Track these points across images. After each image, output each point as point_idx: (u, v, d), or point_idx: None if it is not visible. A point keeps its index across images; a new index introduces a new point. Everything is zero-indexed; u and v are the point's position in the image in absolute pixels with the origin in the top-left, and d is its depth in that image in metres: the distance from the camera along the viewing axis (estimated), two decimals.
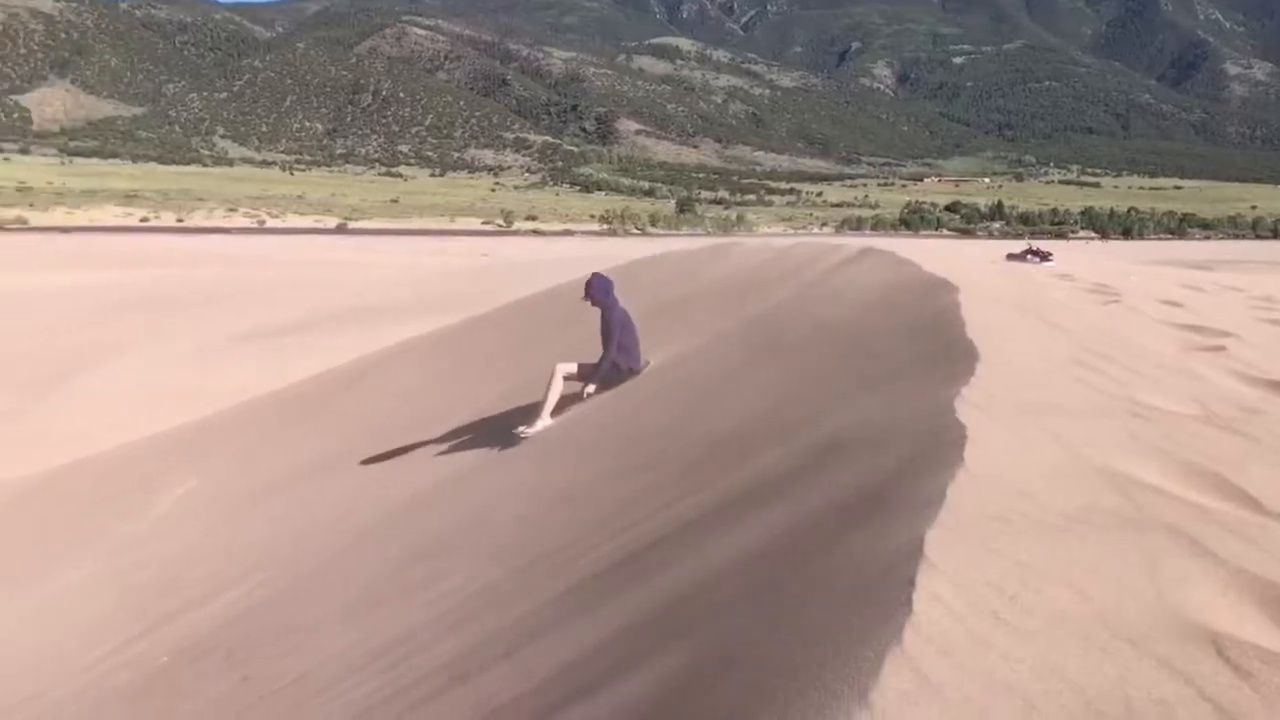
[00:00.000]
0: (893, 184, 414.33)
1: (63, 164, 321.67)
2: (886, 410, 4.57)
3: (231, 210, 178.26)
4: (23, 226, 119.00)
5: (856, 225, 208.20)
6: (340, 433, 12.36)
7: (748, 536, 3.54)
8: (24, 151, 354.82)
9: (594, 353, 8.14)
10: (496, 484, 7.57)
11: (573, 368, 8.07)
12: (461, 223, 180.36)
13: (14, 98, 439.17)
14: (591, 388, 8.10)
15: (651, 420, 7.14)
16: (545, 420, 7.87)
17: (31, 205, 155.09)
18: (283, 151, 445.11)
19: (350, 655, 4.75)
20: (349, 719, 3.79)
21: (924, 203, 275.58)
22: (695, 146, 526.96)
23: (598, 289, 8.16)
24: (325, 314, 31.80)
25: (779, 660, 2.37)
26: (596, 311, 8.28)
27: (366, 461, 10.10)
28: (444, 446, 9.55)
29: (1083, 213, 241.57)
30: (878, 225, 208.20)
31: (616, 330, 7.92)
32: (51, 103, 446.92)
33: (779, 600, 2.79)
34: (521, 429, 7.96)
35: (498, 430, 8.85)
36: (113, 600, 8.87)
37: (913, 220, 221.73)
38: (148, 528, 10.99)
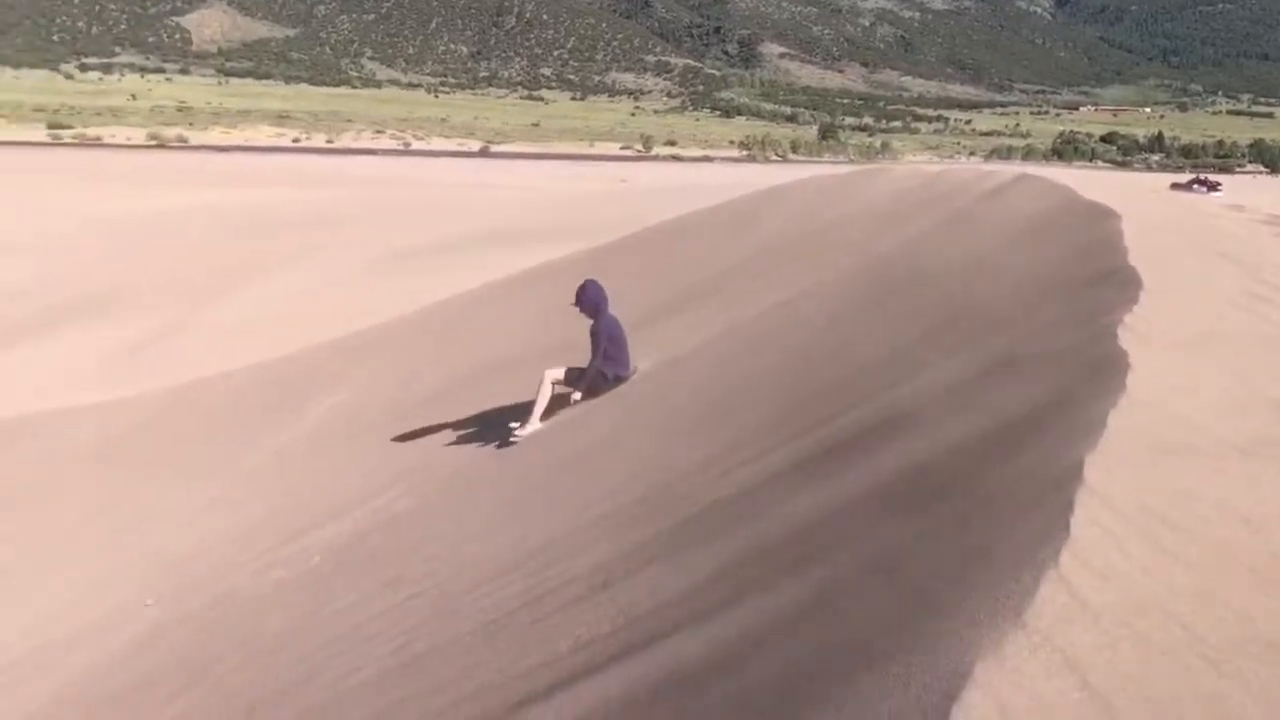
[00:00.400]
0: (1046, 113, 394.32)
1: (219, 84, 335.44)
2: (1044, 337, 4.43)
3: (379, 132, 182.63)
4: (183, 145, 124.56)
5: (1006, 155, 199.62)
6: (483, 350, 12.69)
7: (901, 457, 3.51)
8: (184, 72, 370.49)
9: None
10: (637, 402, 7.67)
11: (560, 373, 8.12)
12: (600, 147, 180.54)
13: (175, 19, 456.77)
14: (578, 395, 8.16)
15: (800, 343, 7.11)
16: (535, 424, 7.94)
17: (191, 125, 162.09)
18: (428, 74, 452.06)
19: (497, 560, 4.93)
20: (496, 617, 3.95)
21: (1078, 133, 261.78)
22: (840, 71, 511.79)
23: (589, 298, 8.17)
24: (467, 236, 32.50)
25: (933, 574, 2.36)
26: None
27: (508, 380, 10.36)
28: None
29: (1251, 145, 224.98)
30: (1028, 155, 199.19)
31: (603, 340, 7.96)
32: (210, 24, 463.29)
33: (934, 517, 2.77)
34: (514, 425, 8.08)
35: (637, 352, 8.95)
36: (267, 503, 9.41)
37: (1066, 151, 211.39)
38: (299, 436, 11.55)
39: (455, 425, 9.47)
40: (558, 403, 8.21)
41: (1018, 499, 2.58)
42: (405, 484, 8.26)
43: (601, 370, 7.97)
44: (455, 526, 6.30)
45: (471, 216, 38.23)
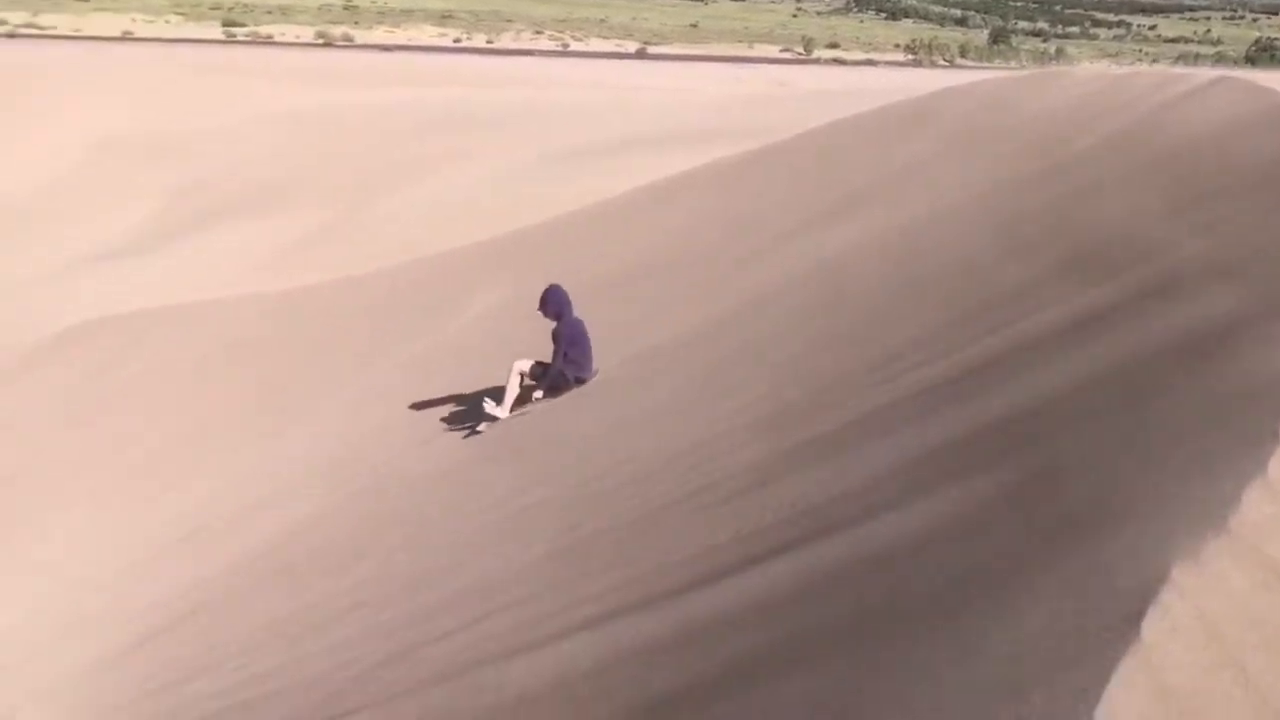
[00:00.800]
0: (1241, 18, 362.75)
1: None
2: (1237, 245, 4.13)
3: (538, 33, 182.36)
4: (349, 44, 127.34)
5: (1193, 62, 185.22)
6: (643, 249, 12.71)
7: (1092, 362, 3.36)
8: None
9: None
10: (799, 305, 7.57)
11: (527, 366, 8.31)
12: (759, 49, 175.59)
13: None
14: (540, 393, 8.35)
15: (971, 250, 6.86)
16: (504, 412, 8.10)
17: (356, 24, 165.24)
18: None
19: (650, 457, 4.98)
20: (652, 510, 4.00)
21: (1276, 39, 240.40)
22: None
23: (553, 303, 8.36)
24: (625, 139, 32.38)
25: (1124, 479, 2.26)
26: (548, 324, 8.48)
27: (671, 276, 10.37)
28: (749, 265, 9.62)
29: None
30: (1219, 62, 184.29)
31: (564, 344, 8.15)
32: None
33: (1125, 424, 2.64)
34: (488, 403, 8.25)
35: (801, 252, 8.82)
36: (425, 395, 9.76)
37: (1260, 59, 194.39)
38: (459, 331, 11.89)
39: (608, 326, 9.56)
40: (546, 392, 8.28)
41: (1214, 408, 2.44)
42: None
43: (563, 371, 8.15)
44: (605, 422, 6.40)
45: (629, 119, 38.03)
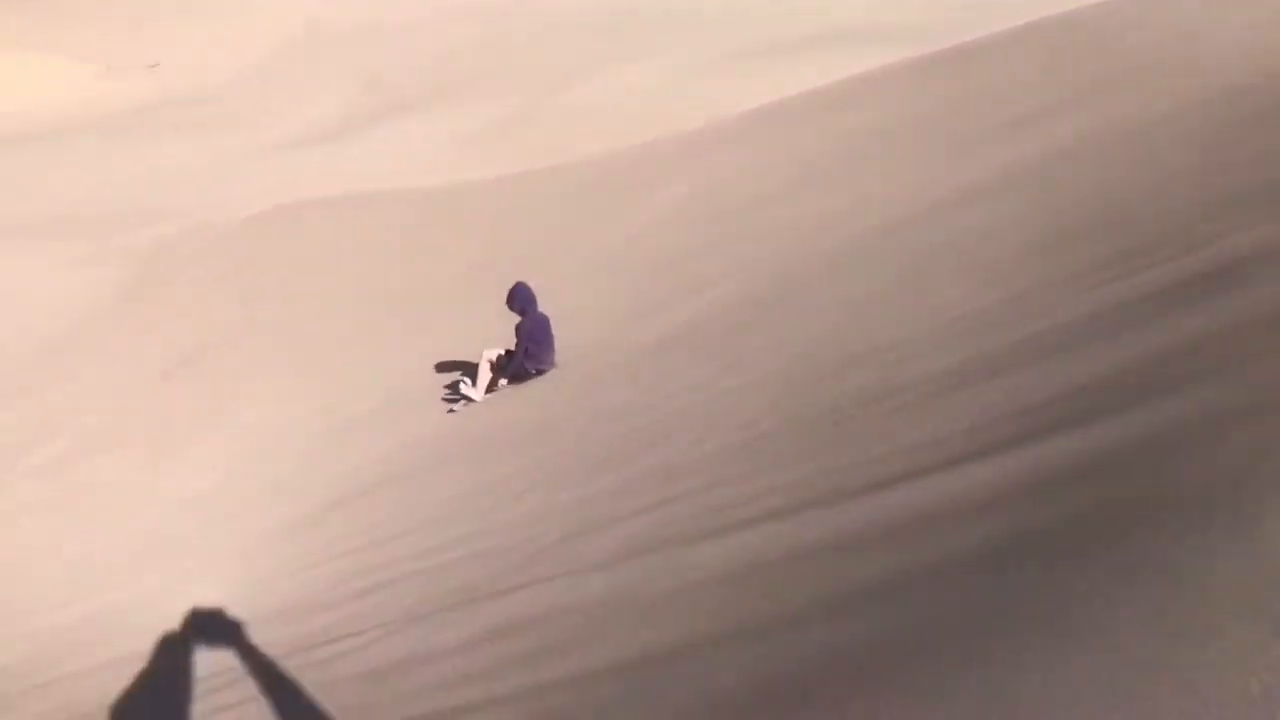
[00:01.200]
0: None
1: None
2: None
3: None
4: None
5: None
6: (826, 151, 12.37)
7: None
8: None
9: None
10: (1016, 200, 7.22)
11: (495, 355, 8.96)
12: None
13: None
14: (504, 381, 8.93)
15: (1192, 159, 6.36)
16: (479, 394, 8.79)
17: None
18: None
19: (842, 354, 4.88)
20: (844, 406, 3.92)
21: None
22: None
23: (519, 300, 8.87)
24: (808, 35, 31.37)
25: None
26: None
27: (852, 178, 10.07)
28: (938, 166, 9.23)
29: None
30: None
31: (525, 339, 8.71)
32: None
33: None
34: (464, 384, 9.00)
35: (997, 157, 8.38)
36: (606, 283, 9.88)
37: None
38: (643, 225, 11.90)
39: (794, 221, 9.38)
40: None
41: None
42: (742, 275, 8.34)
43: (524, 363, 8.76)
44: (795, 320, 6.29)
45: (813, 14, 36.72)
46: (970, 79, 13.66)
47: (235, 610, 4.68)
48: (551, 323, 8.76)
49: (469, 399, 8.76)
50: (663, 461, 4.28)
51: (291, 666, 3.56)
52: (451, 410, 8.81)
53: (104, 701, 3.90)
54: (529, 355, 8.65)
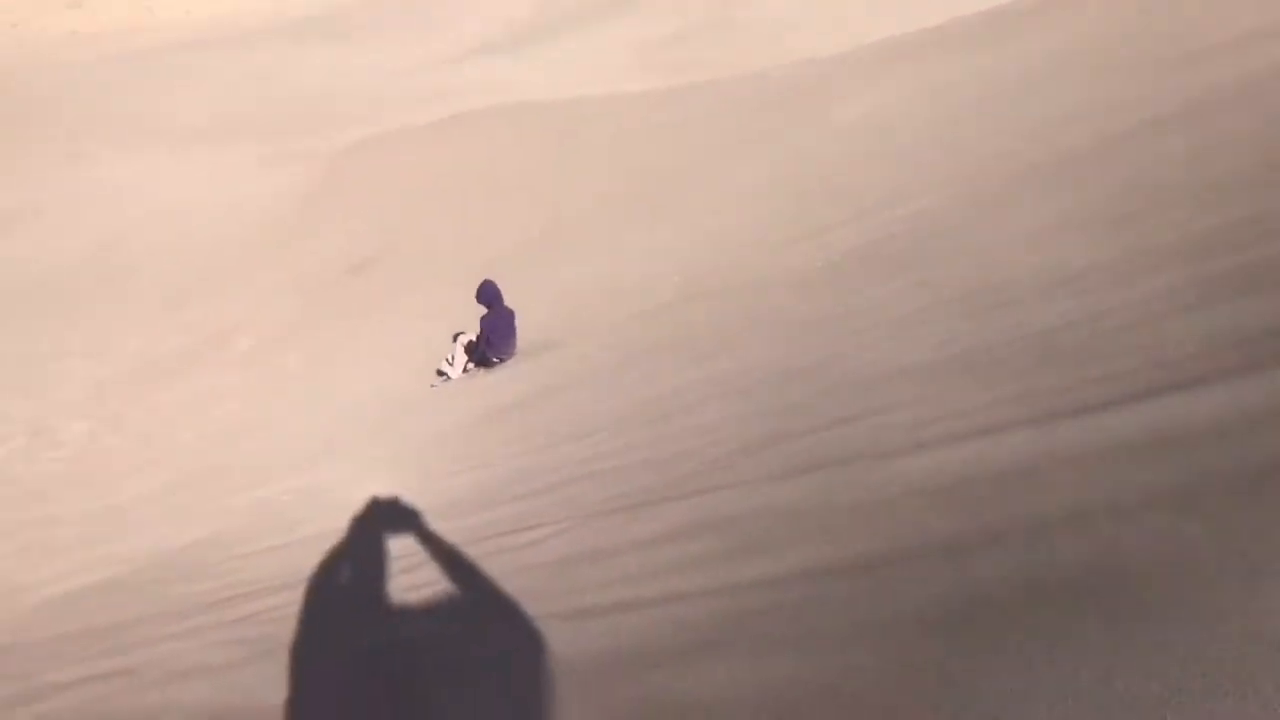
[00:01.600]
0: None
1: None
2: None
3: None
4: None
5: None
6: (1021, 65, 11.76)
7: None
8: None
9: None
10: (1221, 128, 6.72)
11: (466, 340, 10.10)
12: None
13: None
14: (471, 365, 10.05)
15: None
16: (456, 372, 9.98)
17: None
18: None
19: (1036, 278, 4.67)
20: (1050, 328, 3.75)
21: None
22: None
23: (485, 296, 9.86)
24: None
25: None
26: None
27: (1053, 95, 9.54)
28: (1148, 83, 8.64)
29: None
30: None
31: (487, 331, 9.78)
32: None
33: None
34: (444, 363, 10.15)
35: (1221, 72, 7.74)
36: (781, 200, 9.70)
37: None
38: (827, 138, 11.63)
39: (987, 138, 8.99)
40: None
41: None
42: (929, 194, 8.05)
43: (485, 352, 9.84)
44: (992, 239, 6.04)
45: None
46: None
47: (417, 500, 4.88)
48: (515, 315, 9.85)
49: (447, 376, 9.96)
50: (847, 377, 4.20)
51: (472, 555, 3.69)
52: (433, 385, 9.97)
53: (298, 575, 4.13)
54: (489, 345, 9.78)
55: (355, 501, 5.12)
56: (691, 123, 14.36)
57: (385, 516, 4.70)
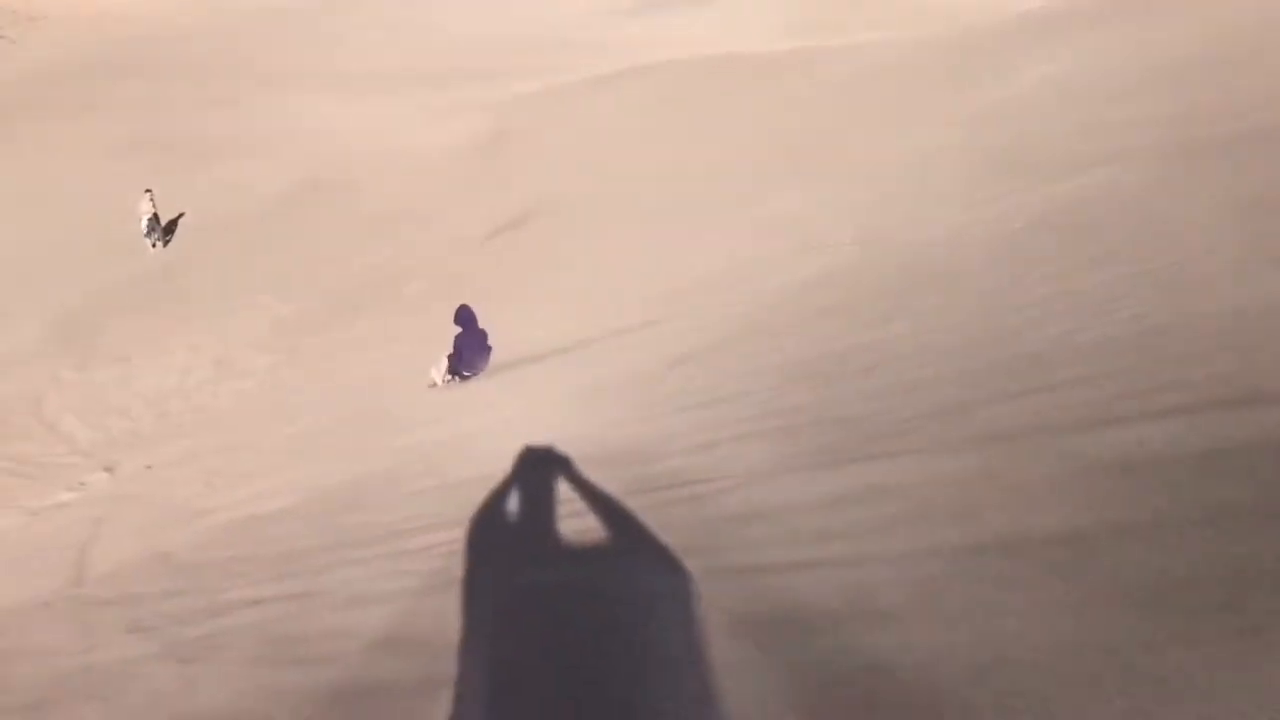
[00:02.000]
0: None
1: None
2: None
3: None
4: None
5: None
6: (1210, 34, 11.04)
7: None
8: None
9: None
10: None
11: (445, 358, 10.98)
12: None
13: None
14: (449, 376, 10.97)
15: None
16: (439, 379, 10.95)
17: None
18: None
19: (1230, 256, 4.39)
20: (1245, 304, 3.53)
21: None
22: None
23: (461, 319, 10.88)
24: None
25: None
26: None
27: (1240, 70, 8.92)
28: None
29: None
30: None
31: (461, 348, 10.76)
32: None
33: None
34: (433, 371, 11.06)
35: None
36: (968, 164, 9.37)
37: None
38: (1009, 99, 11.19)
39: (1159, 109, 8.47)
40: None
41: None
42: (1114, 165, 7.66)
43: (458, 368, 10.81)
44: (1189, 215, 5.71)
45: None
46: None
47: (582, 448, 4.96)
48: (487, 336, 10.90)
49: (434, 381, 10.99)
50: (1031, 349, 4.05)
51: (635, 505, 3.73)
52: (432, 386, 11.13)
53: (464, 513, 4.27)
54: (460, 361, 10.81)
55: (525, 445, 5.24)
56: (871, 80, 14.02)
57: (553, 462, 4.79)
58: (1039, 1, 16.64)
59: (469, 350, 10.84)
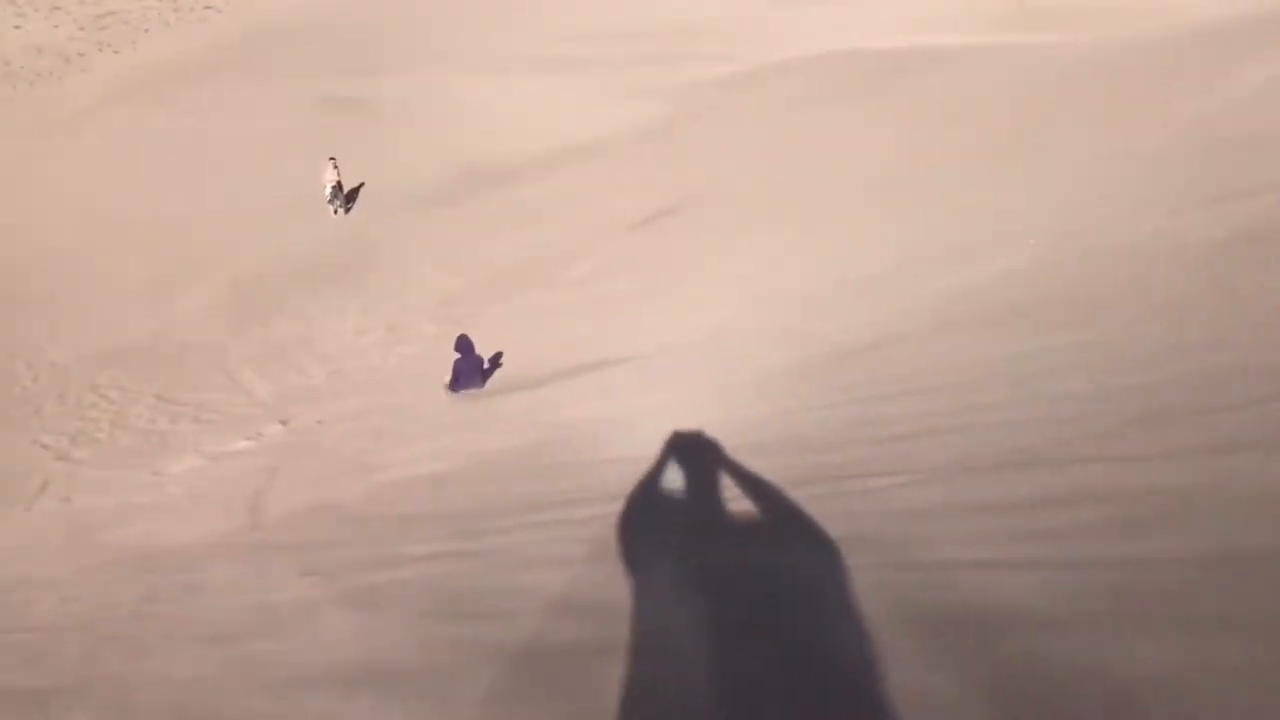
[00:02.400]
0: None
1: None
2: None
3: None
4: None
5: None
6: None
7: None
8: None
9: None
10: None
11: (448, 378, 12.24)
12: None
13: None
14: (449, 393, 11.97)
15: None
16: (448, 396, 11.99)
17: None
18: None
19: None
20: None
21: None
22: None
23: (459, 347, 12.05)
24: None
25: None
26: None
27: None
28: None
29: None
30: None
31: (458, 371, 11.91)
32: None
33: None
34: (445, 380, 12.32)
35: None
36: (1169, 165, 8.93)
37: None
38: (1221, 106, 10.62)
39: None
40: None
41: None
42: None
43: (453, 387, 11.92)
44: None
45: None
46: None
47: (748, 436, 4.94)
48: (483, 362, 12.19)
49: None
50: (1235, 362, 3.84)
51: (803, 495, 3.68)
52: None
53: (625, 489, 4.30)
54: (456, 382, 11.96)
55: (678, 431, 5.24)
56: (1068, 79, 13.50)
57: (711, 447, 4.79)
58: (1250, 4, 15.72)
59: (465, 375, 12.16)
